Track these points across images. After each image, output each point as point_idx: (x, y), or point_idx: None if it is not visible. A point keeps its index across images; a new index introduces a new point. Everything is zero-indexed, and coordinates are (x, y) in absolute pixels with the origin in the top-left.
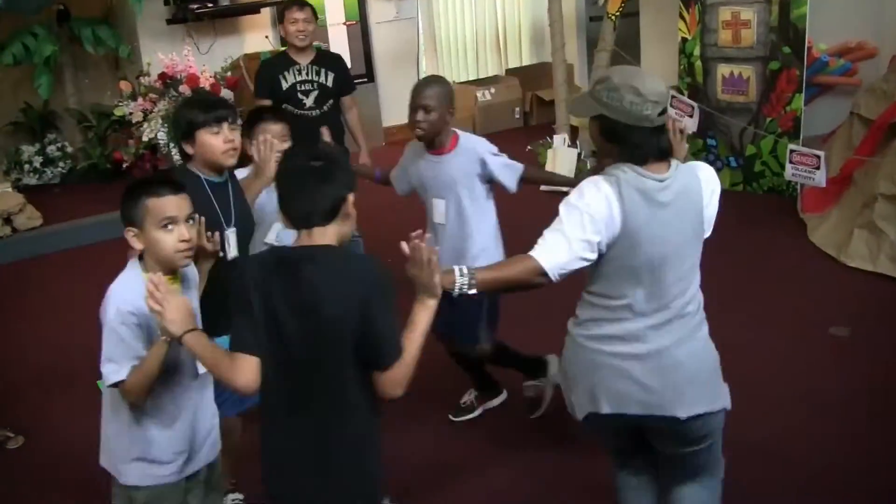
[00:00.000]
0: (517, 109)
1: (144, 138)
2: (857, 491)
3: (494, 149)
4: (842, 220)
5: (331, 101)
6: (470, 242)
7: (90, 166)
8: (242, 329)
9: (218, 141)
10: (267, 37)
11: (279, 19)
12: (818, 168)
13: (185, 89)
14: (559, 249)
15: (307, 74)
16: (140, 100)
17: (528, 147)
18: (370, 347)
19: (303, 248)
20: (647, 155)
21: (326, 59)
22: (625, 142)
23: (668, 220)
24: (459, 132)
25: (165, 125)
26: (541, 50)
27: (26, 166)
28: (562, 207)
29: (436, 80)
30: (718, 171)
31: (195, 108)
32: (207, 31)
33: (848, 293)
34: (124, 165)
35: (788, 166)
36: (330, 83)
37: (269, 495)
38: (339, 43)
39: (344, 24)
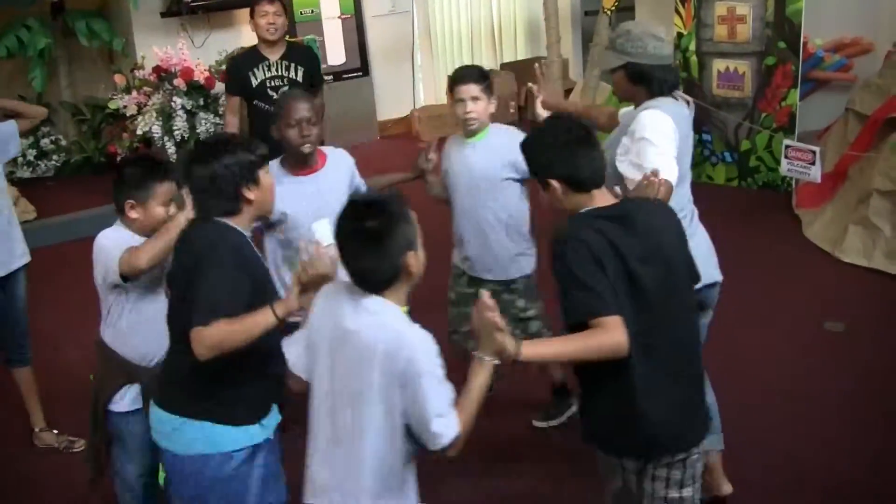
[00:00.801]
0: (512, 104)
1: (139, 131)
2: (850, 485)
3: None
4: (837, 215)
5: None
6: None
7: (84, 159)
8: (596, 294)
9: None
10: None
11: (250, 14)
12: (813, 163)
13: (179, 83)
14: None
15: (277, 70)
16: (134, 93)
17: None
18: None
19: None
20: (674, 85)
21: (296, 53)
22: (652, 81)
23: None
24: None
25: (160, 119)
26: (536, 44)
27: (20, 159)
28: (646, 144)
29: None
30: (713, 166)
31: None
32: (202, 25)
33: (843, 288)
34: (119, 159)
35: (784, 161)
36: (300, 77)
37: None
38: (333, 36)
39: (339, 17)
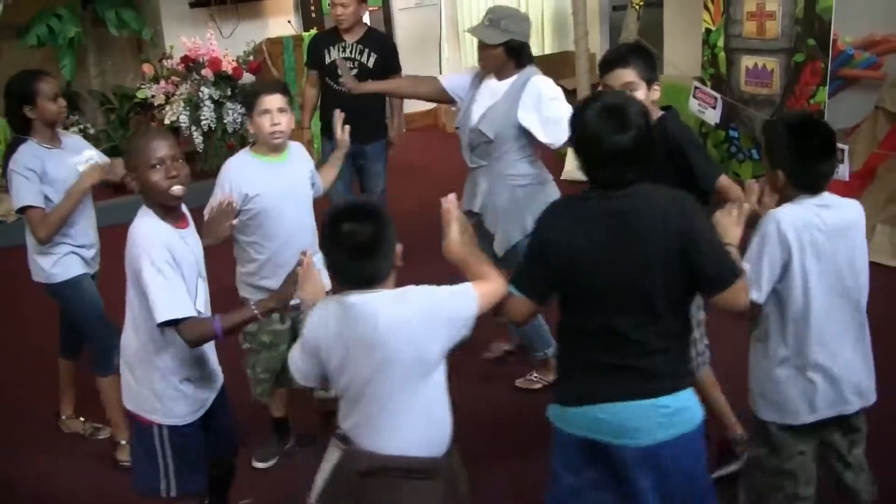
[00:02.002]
0: None
1: (166, 121)
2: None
3: None
4: (865, 214)
5: (369, 81)
6: None
7: (112, 148)
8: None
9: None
10: (289, 21)
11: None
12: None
13: (207, 73)
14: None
15: (350, 52)
16: (162, 83)
17: None
18: None
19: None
20: (533, 59)
21: (373, 40)
22: (523, 54)
23: None
24: None
25: (187, 108)
26: (563, 39)
27: None
28: (556, 101)
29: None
30: (741, 162)
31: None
32: (230, 16)
33: (870, 288)
34: None
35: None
36: (371, 64)
37: None
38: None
39: (367, 9)
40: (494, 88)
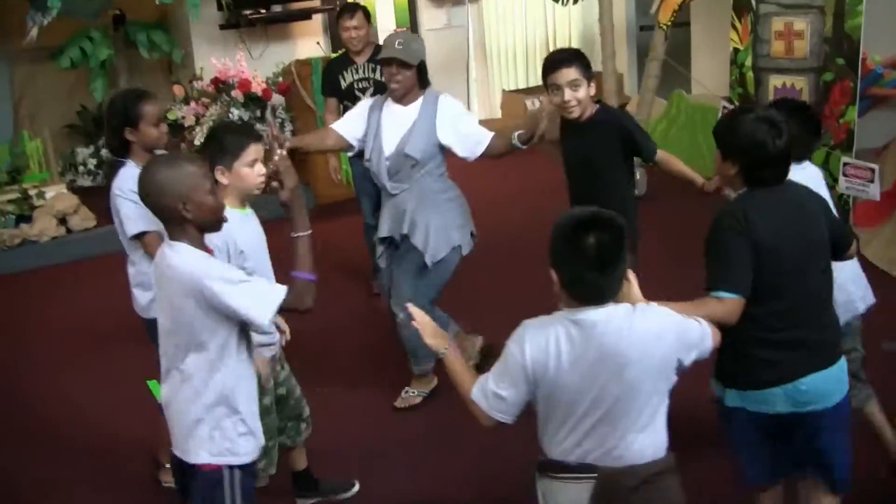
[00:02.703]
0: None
1: (196, 142)
2: None
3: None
4: (895, 234)
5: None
6: None
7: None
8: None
9: None
10: (318, 43)
11: (338, 25)
12: (872, 181)
13: (237, 94)
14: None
15: (363, 72)
16: (193, 104)
17: None
18: None
19: None
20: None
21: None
22: (425, 75)
23: None
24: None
25: None
26: (591, 59)
27: (81, 168)
28: (468, 115)
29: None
30: None
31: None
32: (260, 37)
33: None
34: None
35: (842, 179)
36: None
37: None
38: None
39: (395, 30)
40: (401, 113)
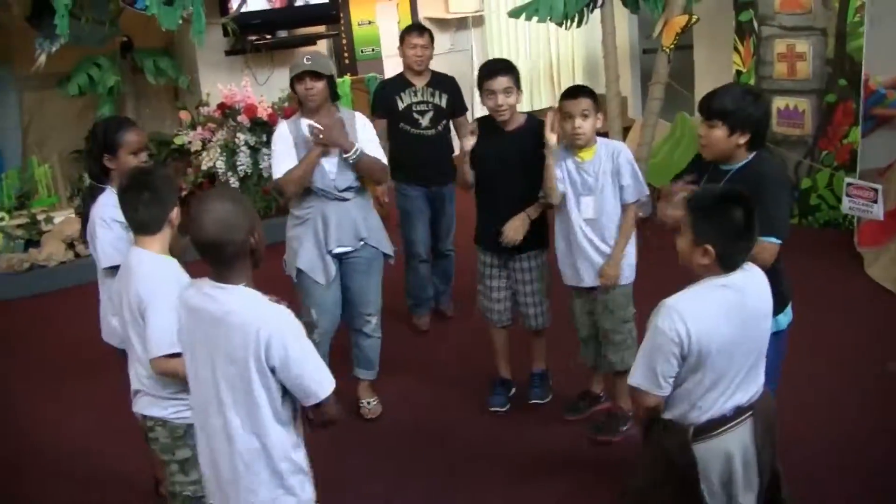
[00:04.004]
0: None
1: (203, 167)
2: None
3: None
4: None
5: (444, 122)
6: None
7: None
8: None
9: None
10: None
11: (400, 42)
12: (875, 201)
13: (243, 119)
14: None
15: (422, 96)
16: (199, 129)
17: None
18: None
19: None
20: None
21: (441, 82)
22: (336, 89)
23: None
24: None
25: (224, 154)
26: (594, 82)
27: None
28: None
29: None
30: None
31: None
32: (265, 63)
33: None
34: (183, 193)
35: (845, 199)
36: (444, 104)
37: None
38: (393, 74)
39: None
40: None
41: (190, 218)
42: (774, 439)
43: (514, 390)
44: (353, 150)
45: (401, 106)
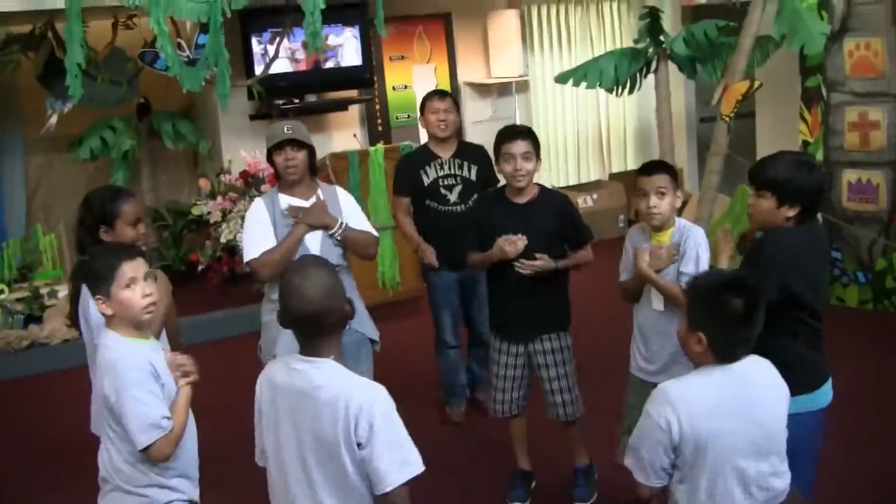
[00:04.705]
0: (621, 217)
1: (222, 239)
2: None
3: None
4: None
5: (475, 196)
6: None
7: (163, 268)
8: None
9: None
10: (355, 135)
11: (420, 111)
12: None
13: (266, 188)
14: None
15: (450, 168)
16: (219, 198)
17: None
18: None
19: None
20: None
21: (468, 152)
22: (315, 158)
23: None
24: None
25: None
26: (647, 153)
27: None
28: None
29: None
30: (845, 286)
31: None
32: None
33: None
34: (200, 268)
35: None
36: (473, 177)
37: None
38: None
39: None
40: (307, 205)
41: (286, 291)
42: None
43: (534, 483)
44: (338, 225)
45: (426, 181)
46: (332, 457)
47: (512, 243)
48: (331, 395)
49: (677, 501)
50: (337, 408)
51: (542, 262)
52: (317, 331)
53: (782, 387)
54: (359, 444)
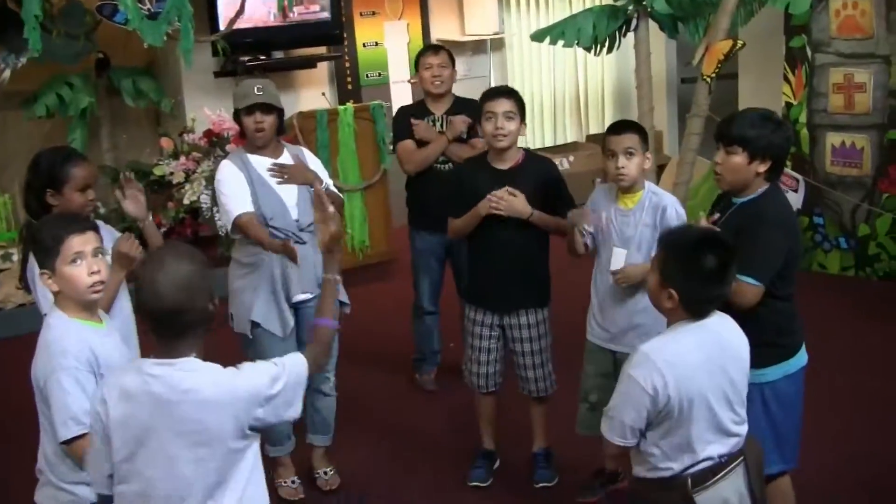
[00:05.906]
0: (598, 180)
1: (185, 201)
2: None
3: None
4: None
5: None
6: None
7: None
8: None
9: None
10: (324, 94)
11: (415, 66)
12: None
13: (231, 148)
14: None
15: (441, 125)
16: (182, 159)
17: None
18: None
19: None
20: None
21: (463, 108)
22: (283, 120)
23: None
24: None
25: (209, 187)
26: (626, 114)
27: None
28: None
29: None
30: (826, 253)
31: None
32: None
33: None
34: (162, 230)
35: None
36: (465, 135)
37: None
38: (402, 102)
39: (409, 81)
40: (283, 163)
41: (139, 283)
42: (763, 483)
43: (497, 463)
44: (322, 182)
45: (416, 136)
46: (213, 451)
47: (500, 199)
48: (207, 394)
49: (652, 454)
50: (222, 404)
51: (519, 199)
52: (172, 330)
53: (745, 341)
54: (251, 426)
